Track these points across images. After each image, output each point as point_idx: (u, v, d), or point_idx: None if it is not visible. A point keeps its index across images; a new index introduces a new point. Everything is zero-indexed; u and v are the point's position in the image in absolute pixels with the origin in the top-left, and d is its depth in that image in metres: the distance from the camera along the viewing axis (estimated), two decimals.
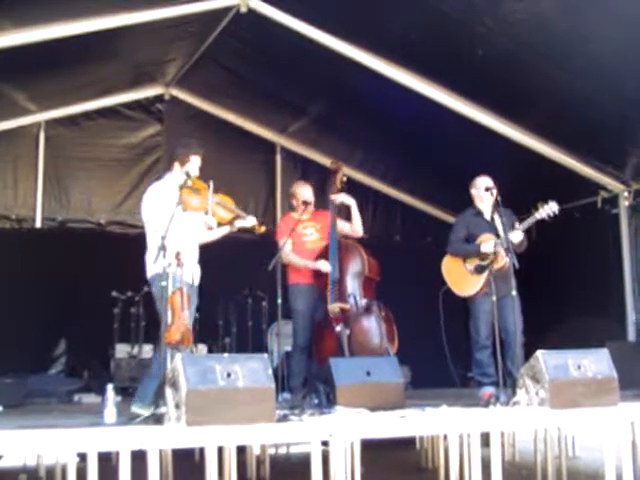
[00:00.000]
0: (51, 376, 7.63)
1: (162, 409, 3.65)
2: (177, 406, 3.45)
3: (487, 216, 5.79)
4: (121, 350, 7.57)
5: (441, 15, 5.56)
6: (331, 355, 5.12)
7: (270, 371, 3.66)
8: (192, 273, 4.90)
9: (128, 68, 7.60)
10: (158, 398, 3.83)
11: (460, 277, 5.75)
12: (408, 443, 5.70)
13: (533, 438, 5.06)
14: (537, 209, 5.45)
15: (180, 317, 4.44)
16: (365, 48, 6.43)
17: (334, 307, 5.74)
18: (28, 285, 7.48)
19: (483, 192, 5.75)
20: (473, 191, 5.91)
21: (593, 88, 5.88)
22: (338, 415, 4.04)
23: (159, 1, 6.04)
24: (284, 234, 5.92)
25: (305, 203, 6.05)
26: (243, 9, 6.40)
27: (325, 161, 8.01)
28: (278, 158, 9.01)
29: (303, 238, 6.08)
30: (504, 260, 5.37)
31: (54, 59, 6.35)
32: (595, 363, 4.32)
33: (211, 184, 4.84)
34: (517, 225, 5.58)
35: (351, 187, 6.32)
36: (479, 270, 5.55)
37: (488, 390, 5.41)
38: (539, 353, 4.29)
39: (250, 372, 3.58)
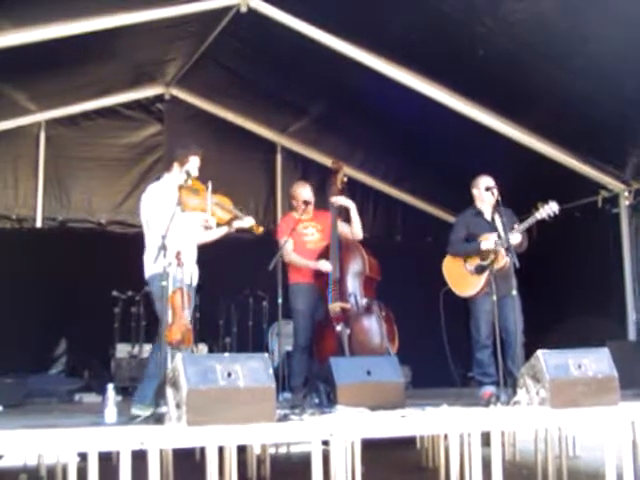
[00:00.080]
0: (52, 376, 7.63)
1: (163, 409, 3.65)
2: (178, 406, 3.45)
3: (487, 216, 5.79)
4: (122, 350, 7.57)
5: (441, 15, 5.56)
6: (332, 355, 5.12)
7: (271, 371, 3.65)
8: (190, 273, 4.90)
9: (128, 68, 7.60)
10: (158, 398, 3.83)
11: (461, 277, 5.75)
12: (409, 443, 5.71)
13: (534, 438, 5.06)
14: (537, 209, 5.44)
15: (181, 317, 4.44)
16: (366, 48, 6.44)
17: (335, 307, 5.74)
18: (29, 285, 7.49)
19: (484, 192, 5.75)
20: (474, 191, 5.90)
21: (593, 88, 5.88)
22: (339, 415, 4.03)
23: (158, 1, 6.04)
24: (285, 233, 5.92)
25: (306, 203, 6.06)
26: (243, 9, 6.40)
27: (326, 161, 8.01)
28: (279, 158, 9.01)
29: (304, 238, 6.08)
30: (504, 260, 5.37)
31: (54, 59, 6.35)
32: (596, 362, 4.32)
33: (209, 185, 4.84)
34: (516, 226, 5.57)
35: (352, 187, 6.33)
36: (479, 270, 5.55)
37: (489, 390, 5.41)
38: (539, 353, 4.29)
39: (251, 372, 3.58)
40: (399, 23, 5.85)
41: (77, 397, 6.82)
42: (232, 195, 5.22)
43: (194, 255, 5.07)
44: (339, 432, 3.52)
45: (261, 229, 5.33)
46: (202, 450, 4.20)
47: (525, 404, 4.32)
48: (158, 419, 3.69)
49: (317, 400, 4.44)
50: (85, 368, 7.54)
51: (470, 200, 5.95)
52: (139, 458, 3.19)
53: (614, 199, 7.48)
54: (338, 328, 5.63)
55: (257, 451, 4.96)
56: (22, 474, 4.80)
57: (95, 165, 8.23)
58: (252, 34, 6.84)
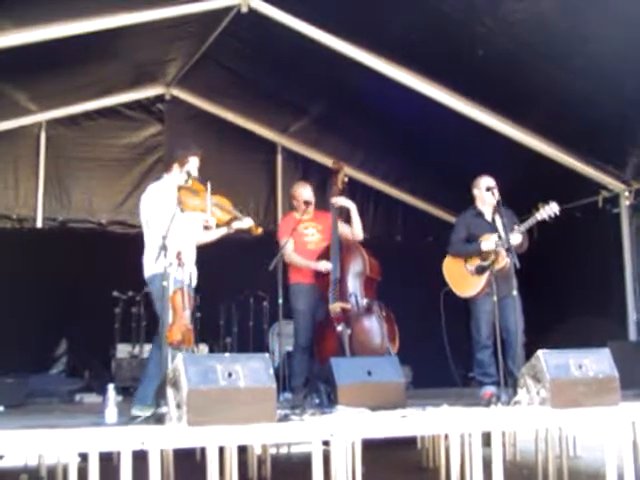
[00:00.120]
0: (52, 376, 7.63)
1: (163, 409, 3.65)
2: (178, 406, 3.45)
3: (488, 217, 5.79)
4: (122, 350, 7.58)
5: (441, 15, 5.56)
6: (332, 355, 5.12)
7: (271, 371, 3.65)
8: (190, 274, 4.89)
9: (128, 68, 7.60)
10: (159, 398, 3.83)
11: (461, 278, 5.75)
12: (409, 443, 5.70)
13: (534, 438, 5.06)
14: (538, 210, 5.44)
15: (181, 317, 4.43)
16: (366, 48, 6.44)
17: (335, 307, 5.74)
18: (29, 285, 7.50)
19: (485, 192, 5.74)
20: (475, 191, 5.90)
21: (593, 88, 5.88)
22: (339, 415, 4.03)
23: (159, 1, 6.05)
24: (286, 234, 5.93)
25: (306, 203, 6.06)
26: (244, 9, 6.41)
27: (326, 161, 8.01)
28: (279, 158, 9.01)
29: (304, 238, 6.09)
30: (505, 260, 5.37)
31: (54, 59, 6.35)
32: (596, 363, 4.32)
33: (209, 185, 4.84)
34: (516, 227, 5.56)
35: (352, 187, 6.33)
36: (480, 271, 5.55)
37: (489, 390, 5.41)
38: (540, 353, 4.29)
39: (251, 372, 3.58)
40: (399, 23, 5.85)
41: (78, 397, 6.82)
42: (233, 195, 5.22)
43: (193, 256, 5.07)
44: (340, 432, 3.52)
45: (260, 230, 5.32)
46: (203, 450, 4.19)
47: (526, 404, 4.32)
48: (159, 419, 3.69)
49: (318, 400, 4.44)
50: (86, 368, 7.54)
51: (470, 200, 5.95)
52: (140, 458, 3.19)
53: (614, 199, 7.48)
54: (339, 328, 5.63)
55: (258, 451, 4.96)
56: (23, 474, 4.80)
57: (95, 165, 8.24)
58: (253, 34, 6.84)
